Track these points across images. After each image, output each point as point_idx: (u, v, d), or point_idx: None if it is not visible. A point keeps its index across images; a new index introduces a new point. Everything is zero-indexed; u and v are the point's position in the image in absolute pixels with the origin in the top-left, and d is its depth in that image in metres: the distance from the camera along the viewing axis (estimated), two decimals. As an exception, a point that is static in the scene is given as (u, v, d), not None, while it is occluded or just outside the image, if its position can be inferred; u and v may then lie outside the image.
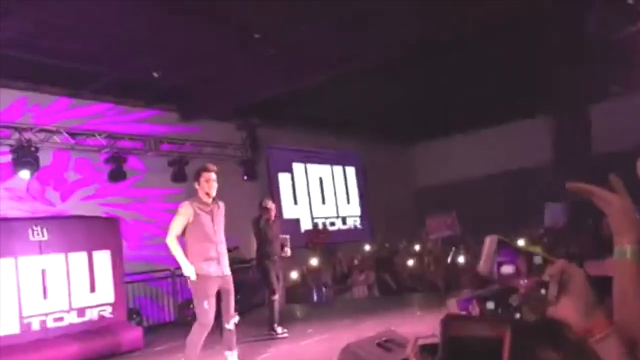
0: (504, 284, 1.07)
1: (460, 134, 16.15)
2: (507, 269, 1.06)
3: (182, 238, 5.27)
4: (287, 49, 9.31)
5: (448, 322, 1.22)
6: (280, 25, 8.61)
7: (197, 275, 5.14)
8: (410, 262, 11.70)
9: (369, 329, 6.32)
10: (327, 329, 7.60)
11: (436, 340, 3.29)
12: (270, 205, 7.83)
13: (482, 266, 1.09)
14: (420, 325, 6.56)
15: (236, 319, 5.44)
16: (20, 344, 6.72)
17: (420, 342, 3.51)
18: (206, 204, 5.34)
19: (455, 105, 13.53)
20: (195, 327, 5.15)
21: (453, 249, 11.40)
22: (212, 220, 5.33)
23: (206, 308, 5.09)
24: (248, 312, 9.29)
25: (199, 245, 5.18)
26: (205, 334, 5.16)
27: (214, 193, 5.41)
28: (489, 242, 1.10)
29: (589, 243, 8.59)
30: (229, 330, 5.38)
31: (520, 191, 14.34)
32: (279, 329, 7.33)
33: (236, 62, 9.77)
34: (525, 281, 1.03)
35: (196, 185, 5.43)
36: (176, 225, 5.19)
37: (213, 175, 5.42)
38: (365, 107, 13.21)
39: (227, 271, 5.40)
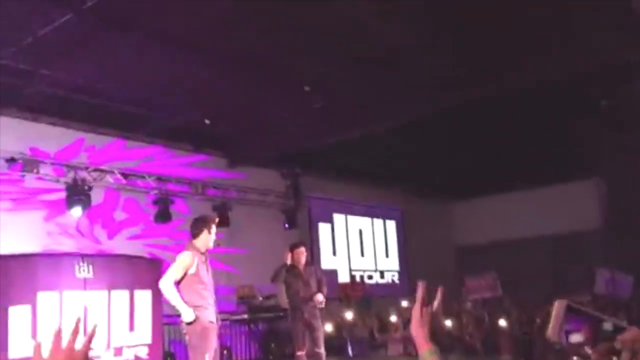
0: (573, 353, 1.04)
1: (504, 193, 15.97)
2: (576, 338, 1.02)
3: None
4: (334, 102, 9.53)
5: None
6: (330, 79, 8.86)
7: (203, 325, 5.05)
8: (448, 322, 11.42)
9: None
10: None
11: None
12: (296, 251, 7.30)
13: (551, 333, 1.06)
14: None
15: None
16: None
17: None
18: (203, 254, 5.33)
19: (500, 164, 13.46)
20: None
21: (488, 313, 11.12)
22: (207, 270, 5.31)
23: None
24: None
25: (198, 294, 5.10)
26: None
27: (212, 245, 5.42)
28: (558, 307, 1.06)
29: None
30: None
31: (566, 255, 13.99)
32: None
33: (284, 112, 10.04)
34: (594, 351, 1.00)
35: (204, 233, 5.32)
36: (176, 273, 5.10)
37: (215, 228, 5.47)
38: (409, 161, 13.28)
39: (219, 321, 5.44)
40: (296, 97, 9.30)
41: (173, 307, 5.21)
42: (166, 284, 5.06)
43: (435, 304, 1.28)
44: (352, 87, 9.07)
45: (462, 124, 10.96)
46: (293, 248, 7.35)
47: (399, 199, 16.01)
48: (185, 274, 5.11)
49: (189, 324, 5.03)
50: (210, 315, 5.13)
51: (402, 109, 9.89)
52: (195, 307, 5.06)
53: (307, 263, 7.41)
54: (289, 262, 7.23)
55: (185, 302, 5.06)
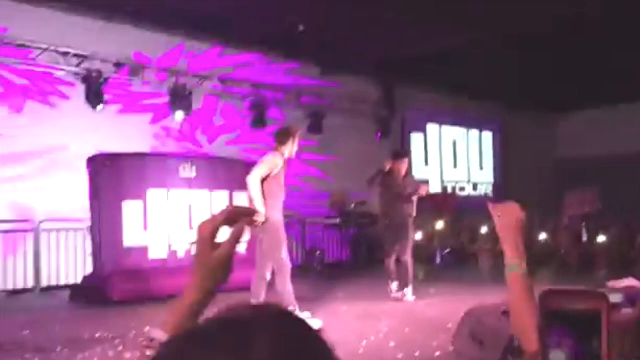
0: None
1: (610, 106, 14.93)
2: None
3: None
4: (432, 8, 9.10)
5: (547, 296, 1.26)
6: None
7: (275, 222, 5.34)
8: (543, 236, 11.21)
9: (492, 296, 6.24)
10: (449, 292, 7.60)
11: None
12: (399, 161, 7.18)
13: None
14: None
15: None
16: (167, 268, 7.46)
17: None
18: (285, 161, 5.53)
19: (607, 75, 12.53)
20: (278, 274, 5.33)
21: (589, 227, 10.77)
22: (285, 177, 5.51)
23: (285, 254, 5.37)
24: (372, 267, 9.55)
25: (275, 196, 5.36)
26: (289, 276, 5.36)
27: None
28: None
29: None
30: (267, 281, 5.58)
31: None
32: (394, 285, 7.04)
33: (380, 18, 9.73)
34: None
35: (290, 142, 5.53)
36: (264, 171, 5.32)
37: None
38: (510, 72, 12.63)
39: None
40: (392, 2, 8.95)
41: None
42: (254, 180, 5.30)
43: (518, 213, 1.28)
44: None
45: (568, 33, 10.20)
46: (396, 157, 7.17)
47: (498, 110, 15.40)
48: (269, 175, 5.30)
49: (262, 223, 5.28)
50: (280, 215, 5.45)
51: (504, 20, 9.32)
52: (273, 209, 5.37)
53: (406, 174, 7.32)
54: (387, 169, 7.02)
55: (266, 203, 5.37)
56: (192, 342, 0.62)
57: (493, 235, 10.20)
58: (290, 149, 5.55)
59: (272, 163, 5.39)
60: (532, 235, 11.32)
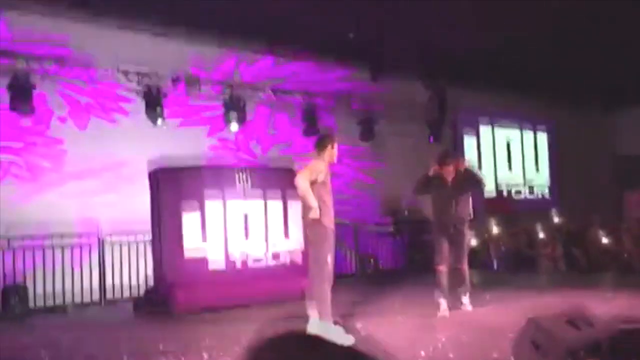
0: None
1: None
2: None
3: None
4: (479, 8, 9.01)
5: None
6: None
7: (326, 228, 5.29)
8: (605, 239, 10.85)
9: (552, 303, 6.11)
10: (507, 299, 7.45)
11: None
12: (446, 168, 6.66)
13: None
14: (610, 307, 6.17)
15: None
16: (226, 278, 7.64)
17: (622, 326, 3.34)
18: (327, 167, 5.51)
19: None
20: (318, 283, 5.24)
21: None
22: (330, 184, 5.51)
23: (330, 262, 5.27)
24: (427, 274, 9.47)
25: (323, 201, 5.29)
26: (329, 286, 5.26)
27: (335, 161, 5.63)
28: None
29: None
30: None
31: None
32: (443, 304, 6.51)
33: (428, 20, 9.69)
34: None
35: (329, 148, 5.50)
36: (312, 174, 5.29)
37: None
38: (563, 70, 12.33)
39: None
40: (438, 4, 8.91)
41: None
42: (302, 180, 5.30)
43: None
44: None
45: (621, 25, 9.88)
46: (442, 162, 6.69)
47: (553, 110, 15.01)
48: (315, 181, 5.36)
49: (314, 220, 5.29)
50: (329, 222, 5.38)
51: (554, 16, 9.13)
52: (324, 216, 5.31)
53: (458, 173, 6.79)
54: (431, 173, 6.66)
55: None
56: None
57: (551, 238, 9.92)
58: (331, 154, 5.54)
59: (316, 168, 5.39)
60: (593, 238, 10.99)
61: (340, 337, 5.02)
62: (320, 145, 5.59)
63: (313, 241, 5.43)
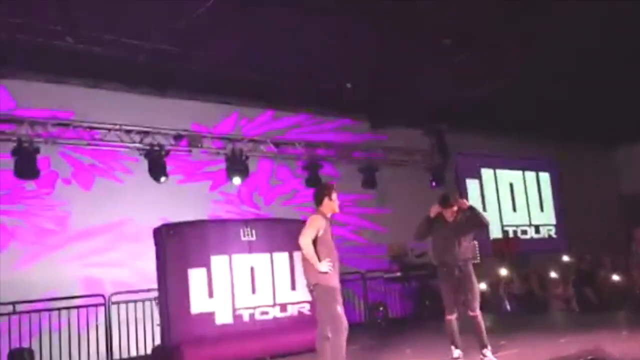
0: None
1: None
2: None
3: None
4: (476, 54, 9.21)
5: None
6: (469, 31, 8.56)
7: (330, 286, 5.21)
8: (616, 277, 10.71)
9: (568, 345, 5.99)
10: (521, 342, 7.30)
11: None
12: (449, 204, 6.31)
13: None
14: (627, 346, 6.04)
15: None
16: (234, 334, 7.52)
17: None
18: (328, 220, 5.41)
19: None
20: (334, 335, 5.16)
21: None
22: (331, 236, 5.40)
23: (341, 312, 5.18)
24: (437, 320, 9.31)
25: (324, 257, 5.22)
26: (345, 336, 5.17)
27: (338, 210, 5.50)
28: None
29: None
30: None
31: None
32: (455, 352, 6.08)
33: (424, 68, 9.89)
34: None
35: (326, 200, 5.40)
36: (312, 232, 5.23)
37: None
38: (561, 110, 12.47)
39: None
40: (436, 52, 9.11)
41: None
42: (306, 240, 5.23)
43: None
44: (493, 37, 8.69)
45: (614, 67, 10.08)
46: (444, 204, 6.33)
47: (552, 149, 15.10)
48: (316, 237, 5.32)
49: (319, 278, 5.21)
50: (333, 279, 5.28)
51: (548, 58, 9.32)
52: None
53: (455, 217, 6.38)
54: (432, 214, 6.33)
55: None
56: None
57: (562, 278, 9.73)
58: (330, 205, 5.44)
59: (315, 224, 5.30)
60: (604, 276, 10.85)
61: None
62: (317, 199, 5.51)
63: (322, 299, 5.33)
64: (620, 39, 8.98)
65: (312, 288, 5.34)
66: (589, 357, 4.19)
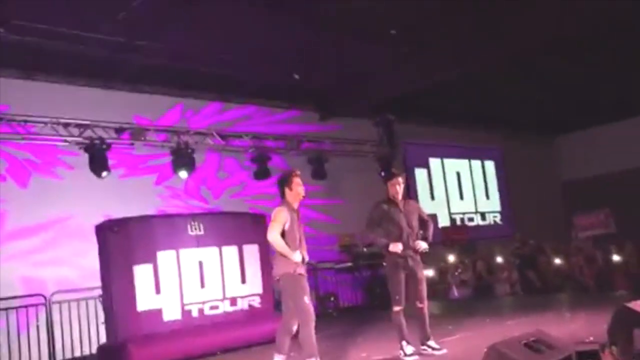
0: None
1: (609, 124, 15.03)
2: None
3: None
4: (423, 46, 9.30)
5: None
6: (416, 22, 8.63)
7: (293, 275, 5.20)
8: (558, 261, 11.10)
9: (513, 328, 6.14)
10: (468, 327, 7.47)
11: (596, 347, 3.15)
12: (390, 182, 6.03)
13: None
14: (570, 327, 6.25)
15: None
16: (183, 330, 7.38)
17: (579, 348, 3.36)
18: (294, 210, 5.38)
19: (601, 94, 12.67)
20: (302, 325, 5.18)
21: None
22: (298, 225, 5.38)
23: (308, 303, 5.18)
24: (388, 309, 9.40)
25: (293, 249, 5.23)
26: (313, 326, 5.17)
27: (303, 195, 5.44)
28: None
29: None
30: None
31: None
32: (407, 348, 5.78)
33: (372, 60, 9.92)
34: None
35: (287, 190, 5.37)
36: (278, 226, 5.22)
37: (300, 180, 5.45)
38: (504, 100, 12.79)
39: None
40: (383, 43, 9.15)
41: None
42: (274, 236, 5.22)
43: None
44: (440, 29, 8.79)
45: (556, 59, 10.40)
46: (388, 178, 6.14)
47: (497, 138, 15.50)
48: (283, 229, 5.27)
49: (283, 269, 5.20)
50: (300, 269, 5.26)
51: (492, 50, 9.51)
52: (283, 261, 5.23)
53: (405, 197, 6.14)
54: (382, 204, 6.02)
55: (282, 258, 5.27)
56: None
57: (507, 263, 10.01)
58: (294, 193, 5.39)
59: (279, 217, 5.27)
60: (546, 261, 11.22)
61: None
62: (280, 190, 5.46)
63: (288, 289, 5.28)
64: (564, 35, 9.23)
65: (279, 279, 5.30)
66: (532, 339, 4.29)
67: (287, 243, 5.22)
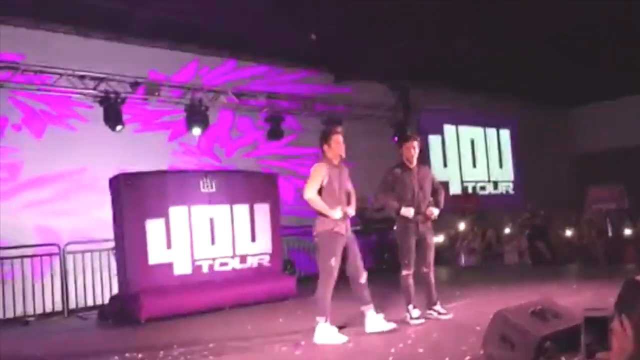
0: None
1: (628, 96, 14.77)
2: None
3: None
4: (444, 11, 9.10)
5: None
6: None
7: (329, 232, 5.23)
8: (568, 232, 11.07)
9: (521, 296, 6.15)
10: (475, 294, 7.52)
11: (605, 313, 3.15)
12: (405, 145, 5.96)
13: None
14: (576, 298, 6.26)
15: (365, 274, 5.46)
16: (193, 284, 7.51)
17: (588, 314, 3.37)
18: (335, 166, 5.37)
19: (621, 66, 12.41)
20: (320, 284, 5.24)
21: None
22: (340, 182, 5.37)
23: (333, 265, 5.20)
24: (395, 273, 9.46)
25: (329, 206, 5.24)
26: (332, 289, 5.25)
27: (344, 154, 5.42)
28: None
29: None
30: (362, 285, 5.41)
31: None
32: (414, 312, 5.80)
33: (392, 23, 9.73)
34: None
35: (325, 147, 5.34)
36: (315, 183, 5.23)
37: (342, 138, 5.40)
38: (523, 70, 12.56)
39: (350, 230, 5.44)
40: (404, 7, 8.96)
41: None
42: (310, 194, 5.24)
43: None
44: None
45: (577, 33, 10.17)
46: (402, 142, 6.09)
47: (513, 108, 15.28)
48: (321, 186, 5.27)
49: (320, 224, 5.24)
50: (338, 226, 5.27)
51: (514, 24, 9.32)
52: (325, 219, 5.25)
53: (420, 163, 6.11)
54: (395, 170, 5.98)
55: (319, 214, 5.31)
56: None
57: (517, 233, 9.97)
58: (329, 152, 5.34)
59: (316, 174, 5.27)
60: (556, 232, 11.19)
61: (335, 336, 5.19)
62: (320, 146, 5.42)
63: (320, 249, 5.32)
64: (580, 6, 9.01)
65: (316, 235, 5.34)
66: (539, 307, 4.30)
67: (325, 200, 5.22)
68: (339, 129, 5.51)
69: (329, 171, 5.30)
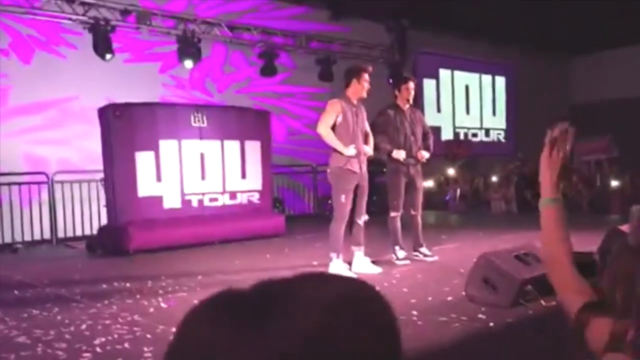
0: None
1: (627, 47, 14.58)
2: None
3: None
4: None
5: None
6: None
7: (340, 168, 5.28)
8: (555, 180, 11.14)
9: (506, 241, 6.26)
10: (461, 238, 7.63)
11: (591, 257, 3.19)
12: (404, 86, 5.94)
13: (632, 238, 1.05)
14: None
15: (365, 217, 5.52)
16: (182, 218, 7.54)
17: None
18: (352, 104, 5.34)
19: (618, 17, 12.17)
20: (333, 220, 5.34)
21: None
22: (356, 120, 5.36)
23: (343, 202, 5.26)
24: (383, 215, 9.56)
25: (342, 142, 5.24)
26: (344, 226, 5.34)
27: (365, 95, 5.38)
28: (636, 212, 1.06)
29: None
30: (359, 226, 5.49)
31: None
32: (400, 253, 5.89)
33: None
34: None
35: (354, 82, 5.28)
36: (329, 118, 5.23)
37: (368, 77, 5.37)
38: (522, 17, 12.30)
39: (365, 169, 5.46)
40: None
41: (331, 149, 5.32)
42: (323, 128, 5.24)
43: (568, 147, 1.21)
44: None
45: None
46: (400, 83, 6.04)
47: (512, 53, 15.06)
48: (335, 122, 5.25)
49: (332, 161, 5.29)
50: (351, 163, 5.29)
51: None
52: (338, 155, 5.27)
53: (412, 106, 6.11)
54: (388, 111, 5.93)
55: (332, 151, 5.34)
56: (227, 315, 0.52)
57: (503, 182, 10.04)
58: (355, 89, 5.30)
59: (331, 110, 5.25)
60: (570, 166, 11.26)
61: (370, 266, 5.42)
62: (345, 80, 5.38)
63: (331, 180, 5.39)
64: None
65: (330, 171, 5.40)
66: (523, 252, 4.38)
67: (339, 136, 5.21)
68: (370, 68, 5.46)
69: (345, 108, 5.27)
